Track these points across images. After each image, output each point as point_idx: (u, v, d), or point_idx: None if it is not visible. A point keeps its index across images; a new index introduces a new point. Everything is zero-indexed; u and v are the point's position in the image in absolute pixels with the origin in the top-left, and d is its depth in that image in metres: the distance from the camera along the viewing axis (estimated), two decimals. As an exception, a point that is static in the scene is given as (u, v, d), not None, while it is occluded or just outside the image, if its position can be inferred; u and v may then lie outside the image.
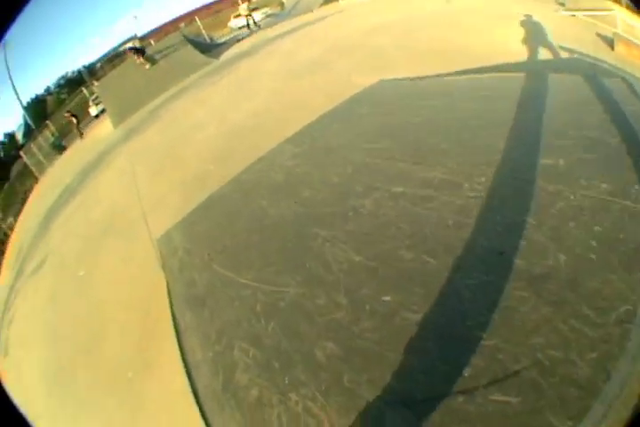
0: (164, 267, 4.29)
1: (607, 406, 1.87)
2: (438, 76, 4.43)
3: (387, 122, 4.00)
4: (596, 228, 2.39)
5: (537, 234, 2.45)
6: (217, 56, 10.94)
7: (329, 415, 2.40)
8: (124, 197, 6.93)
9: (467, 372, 2.15)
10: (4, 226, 12.06)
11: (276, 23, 11.73)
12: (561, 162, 2.88)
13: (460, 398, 2.11)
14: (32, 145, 13.79)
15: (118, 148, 9.03)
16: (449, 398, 2.13)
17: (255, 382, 2.83)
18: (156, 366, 3.95)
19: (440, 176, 3.13)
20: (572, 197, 2.61)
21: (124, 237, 5.77)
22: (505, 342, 2.17)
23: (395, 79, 4.68)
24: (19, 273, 9.31)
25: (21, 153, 13.65)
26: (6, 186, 13.61)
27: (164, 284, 4.20)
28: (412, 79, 4.67)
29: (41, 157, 13.53)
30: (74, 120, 14.31)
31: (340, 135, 4.21)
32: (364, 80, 4.82)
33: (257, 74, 7.74)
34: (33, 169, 13.35)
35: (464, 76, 4.43)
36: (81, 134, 14.08)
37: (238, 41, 11.86)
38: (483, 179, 2.94)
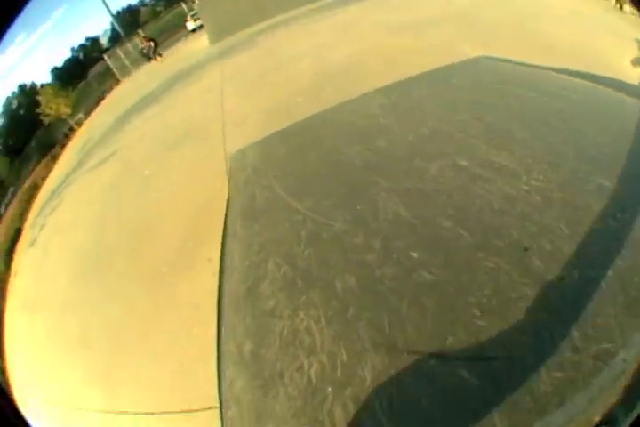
0: (229, 180, 4.71)
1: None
2: (540, 68, 4.44)
3: (474, 99, 4.13)
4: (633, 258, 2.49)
5: (566, 244, 2.63)
6: None
7: (323, 340, 2.85)
8: (206, 110, 7.36)
9: (450, 342, 2.47)
10: (71, 121, 12.97)
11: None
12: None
13: (432, 361, 2.46)
14: (118, 50, 14.09)
15: (210, 64, 9.34)
16: (424, 356, 2.49)
17: (275, 294, 3.32)
18: (191, 266, 4.44)
19: (504, 162, 3.31)
20: (618, 216, 2.73)
21: (197, 147, 6.25)
22: (490, 328, 2.45)
23: (496, 59, 4.71)
24: (79, 165, 10.15)
25: (105, 56, 14.01)
26: (82, 84, 14.11)
27: (224, 195, 4.61)
28: (514, 63, 4.69)
29: (127, 62, 13.98)
30: (151, 44, 14.28)
31: (428, 99, 4.39)
32: (467, 52, 4.87)
33: (366, 21, 7.75)
34: (115, 71, 13.88)
35: (567, 76, 4.44)
36: (159, 55, 14.14)
37: None
38: (541, 177, 3.10)
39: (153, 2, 15.78)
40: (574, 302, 2.36)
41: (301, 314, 3.09)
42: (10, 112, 13.59)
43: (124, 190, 7.13)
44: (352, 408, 2.53)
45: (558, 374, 2.16)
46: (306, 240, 3.51)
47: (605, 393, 2.04)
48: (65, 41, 14.16)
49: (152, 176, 6.69)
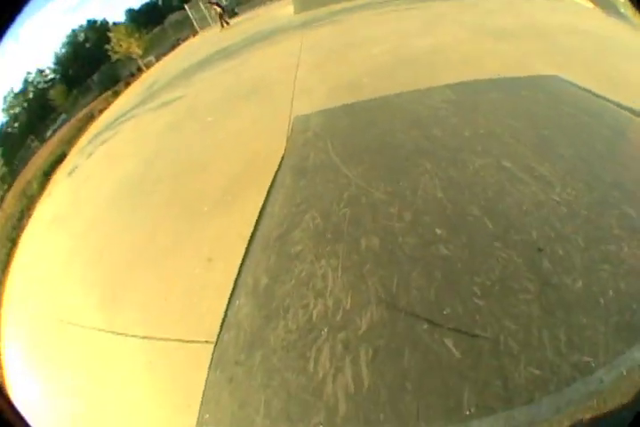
0: (289, 138, 5.10)
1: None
2: (604, 99, 4.56)
3: (534, 112, 4.32)
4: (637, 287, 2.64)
5: (578, 256, 2.83)
6: None
7: (334, 287, 3.24)
8: (278, 73, 7.65)
9: (447, 312, 2.78)
10: (140, 62, 13.47)
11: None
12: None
13: (425, 325, 2.76)
14: (200, 2, 14.38)
15: (291, 32, 9.55)
16: (419, 319, 2.81)
17: (304, 241, 3.72)
18: (232, 208, 4.68)
19: (544, 172, 3.53)
20: (633, 244, 2.89)
21: (262, 104, 6.59)
22: (486, 310, 2.71)
23: (567, 81, 4.85)
24: (141, 103, 10.56)
25: (185, 6, 14.37)
26: (157, 29, 14.56)
27: (277, 152, 4.94)
28: (581, 89, 4.80)
29: (207, 14, 14.33)
30: (218, 10, 14.32)
31: (492, 102, 4.59)
32: (540, 68, 5.01)
33: (452, 19, 7.85)
34: (195, 22, 14.31)
35: (627, 112, 4.58)
36: (226, 23, 14.19)
37: None
38: (573, 192, 3.32)
39: None
40: (570, 308, 2.57)
41: (322, 261, 3.47)
42: (75, 44, 14.16)
43: (183, 132, 7.50)
44: (339, 351, 2.87)
45: (535, 371, 2.35)
46: (345, 201, 3.90)
47: (573, 408, 2.20)
48: None
49: (213, 123, 7.06)
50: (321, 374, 2.82)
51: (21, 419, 1.74)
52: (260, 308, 3.45)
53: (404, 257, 3.21)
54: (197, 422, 2.98)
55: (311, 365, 2.89)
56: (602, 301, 2.53)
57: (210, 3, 14.38)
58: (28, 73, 13.51)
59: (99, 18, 14.36)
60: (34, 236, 8.24)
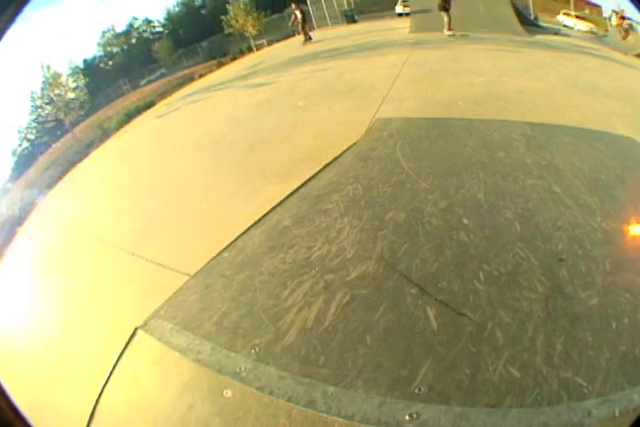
0: (365, 132, 5.47)
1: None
2: None
3: (600, 160, 4.38)
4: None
5: (600, 277, 2.81)
6: (531, 34, 11.09)
7: (345, 239, 3.43)
8: (377, 79, 8.02)
9: (442, 285, 2.84)
10: (252, 43, 13.97)
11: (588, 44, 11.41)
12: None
13: (414, 290, 2.82)
14: (323, 1, 14.46)
15: (399, 47, 9.87)
16: (410, 283, 2.89)
17: (337, 202, 3.99)
18: (291, 179, 4.88)
19: (590, 202, 3.58)
20: None
21: (353, 101, 7.05)
22: (483, 295, 2.72)
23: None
24: (239, 78, 11.17)
25: (308, 1, 14.40)
26: (276, 16, 14.87)
27: (352, 141, 5.29)
28: None
29: (327, 14, 14.45)
30: (298, 16, 13.46)
31: (564, 145, 4.69)
32: (618, 128, 5.07)
33: (550, 66, 8.05)
34: (313, 19, 14.32)
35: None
36: (306, 37, 13.37)
37: (555, 34, 11.84)
38: (613, 226, 3.32)
39: None
40: (577, 321, 2.49)
41: (345, 219, 3.69)
42: (190, 6, 15.06)
43: (272, 108, 7.99)
44: (318, 289, 3.01)
45: (514, 373, 2.22)
46: (390, 184, 4.13)
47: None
48: None
49: (303, 108, 7.49)
50: (288, 303, 2.96)
51: (21, 419, 1.71)
52: (269, 240, 3.69)
53: (423, 233, 3.33)
54: (150, 315, 3.26)
55: (285, 293, 3.05)
56: (614, 325, 2.43)
57: (296, 4, 13.68)
58: (135, 18, 14.33)
59: None
60: (95, 162, 9.17)
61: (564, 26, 12.19)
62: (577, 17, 12.19)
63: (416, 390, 2.22)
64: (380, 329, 2.60)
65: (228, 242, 3.84)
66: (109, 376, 2.92)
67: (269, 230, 3.82)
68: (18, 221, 7.20)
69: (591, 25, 12.25)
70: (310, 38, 13.50)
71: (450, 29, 10.72)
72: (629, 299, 2.59)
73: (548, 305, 2.59)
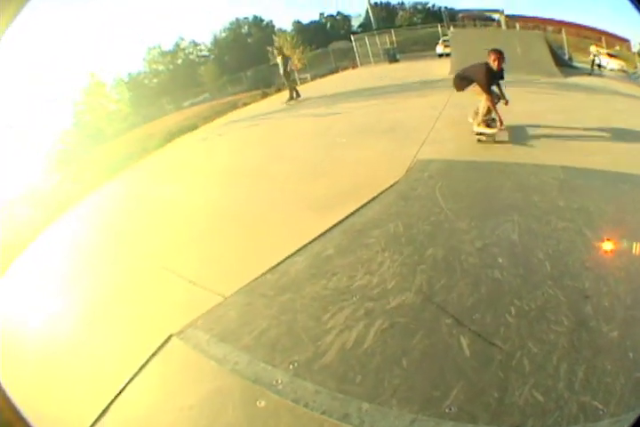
0: (407, 172, 5.98)
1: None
2: None
3: (631, 201, 4.79)
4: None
5: (621, 313, 3.08)
6: (566, 75, 11.33)
7: (386, 271, 3.82)
8: (417, 121, 8.51)
9: (475, 318, 3.16)
10: (296, 75, 14.02)
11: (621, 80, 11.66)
12: None
13: (449, 320, 3.17)
14: (366, 37, 14.78)
15: (440, 89, 10.19)
16: (446, 314, 3.24)
17: (379, 238, 4.44)
18: (331, 211, 5.30)
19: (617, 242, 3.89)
20: None
21: (395, 142, 7.52)
22: (513, 327, 3.03)
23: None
24: (283, 110, 11.77)
25: (352, 36, 14.82)
26: (320, 50, 15.62)
27: (394, 180, 5.73)
28: None
29: (369, 51, 14.73)
30: (279, 64, 12.39)
31: (594, 189, 5.09)
32: None
33: (585, 108, 8.48)
34: (357, 56, 14.77)
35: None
36: (291, 93, 12.46)
37: (588, 74, 12.12)
38: (627, 264, 3.64)
39: (412, 11, 16.68)
40: (598, 351, 2.79)
41: (386, 253, 4.11)
42: (237, 33, 15.83)
43: (313, 142, 8.58)
44: (359, 315, 3.36)
45: (538, 397, 2.51)
46: (430, 222, 4.57)
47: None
48: (316, 3, 15.92)
49: (343, 144, 8.04)
50: (329, 325, 3.33)
51: (21, 419, 1.75)
52: (312, 267, 4.12)
53: (460, 269, 3.72)
54: (186, 325, 3.65)
55: (326, 316, 3.43)
56: (631, 355, 2.72)
57: (276, 49, 13.15)
58: (181, 38, 15.06)
59: (266, 17, 16.01)
60: (136, 177, 9.69)
61: (597, 65, 12.60)
62: (608, 55, 12.59)
63: (446, 410, 2.51)
64: (415, 354, 2.92)
65: (271, 265, 4.24)
66: (132, 378, 3.24)
67: (312, 258, 4.24)
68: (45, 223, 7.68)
69: (622, 63, 12.62)
70: (298, 95, 12.61)
71: None
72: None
73: (573, 337, 2.90)
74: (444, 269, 3.72)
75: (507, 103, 6.97)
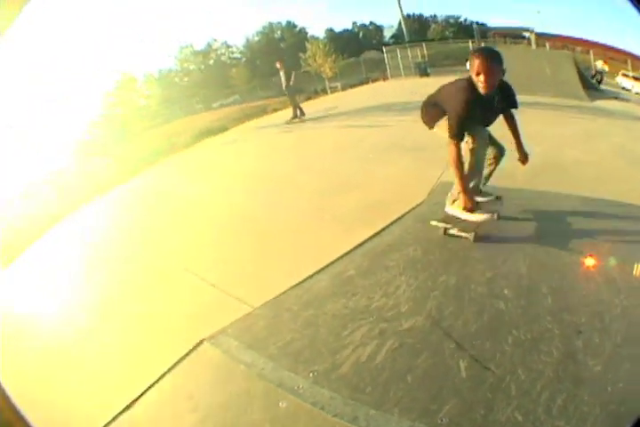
0: (429, 194, 6.43)
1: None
2: None
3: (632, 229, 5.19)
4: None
5: (612, 348, 3.38)
6: (592, 99, 11.36)
7: (401, 295, 4.24)
8: (443, 140, 8.72)
9: (475, 344, 3.56)
10: (327, 84, 14.61)
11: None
12: None
13: (452, 344, 3.58)
14: (398, 49, 14.63)
15: None
16: (450, 338, 3.65)
17: (398, 261, 4.87)
18: (351, 226, 5.80)
19: (619, 280, 4.21)
20: None
21: (421, 160, 7.77)
22: (509, 354, 3.41)
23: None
24: (312, 120, 12.05)
25: (384, 48, 14.76)
26: (352, 60, 15.64)
27: (416, 202, 6.19)
28: None
29: (400, 63, 14.60)
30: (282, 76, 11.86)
31: (604, 218, 5.45)
32: None
33: (606, 135, 8.57)
34: (387, 67, 14.71)
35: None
36: (295, 111, 11.97)
37: (615, 98, 12.13)
38: (635, 302, 3.91)
39: (445, 24, 16.44)
40: (580, 382, 3.11)
41: (402, 278, 4.56)
42: (269, 38, 15.89)
43: (340, 157, 8.90)
44: (374, 333, 3.80)
45: (518, 417, 2.87)
46: (446, 249, 4.97)
47: None
48: (349, 12, 15.75)
49: (372, 159, 8.41)
50: (347, 341, 3.80)
51: (21, 419, 1.79)
52: (334, 286, 4.60)
53: (468, 298, 4.15)
54: (217, 330, 4.15)
55: (345, 333, 3.90)
56: (609, 389, 3.06)
57: (280, 61, 12.20)
58: (214, 39, 15.25)
59: (299, 24, 16.07)
60: (162, 175, 10.13)
61: (623, 88, 12.64)
62: (634, 78, 12.62)
63: (439, 420, 2.97)
64: (419, 372, 3.38)
65: (296, 281, 4.73)
66: (160, 378, 3.73)
67: (334, 277, 4.73)
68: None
69: (654, 88, 12.67)
70: (302, 114, 11.94)
71: None
72: (628, 369, 3.21)
73: (559, 368, 3.26)
74: (453, 297, 4.15)
75: (524, 161, 4.96)
